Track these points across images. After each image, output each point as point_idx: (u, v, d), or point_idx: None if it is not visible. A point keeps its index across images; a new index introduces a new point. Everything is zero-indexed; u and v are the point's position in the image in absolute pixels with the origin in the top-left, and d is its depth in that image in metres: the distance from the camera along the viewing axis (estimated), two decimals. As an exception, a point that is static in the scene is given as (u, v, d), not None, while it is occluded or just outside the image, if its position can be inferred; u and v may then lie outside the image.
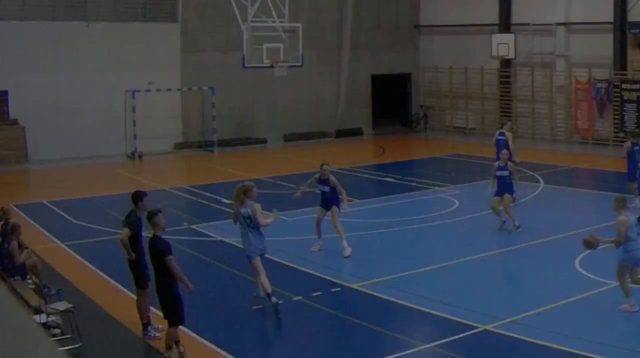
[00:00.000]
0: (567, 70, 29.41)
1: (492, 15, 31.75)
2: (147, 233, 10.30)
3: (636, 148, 18.17)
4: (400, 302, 11.23)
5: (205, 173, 24.86)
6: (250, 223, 11.16)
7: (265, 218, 11.25)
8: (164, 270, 9.20)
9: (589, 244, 10.79)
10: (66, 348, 9.32)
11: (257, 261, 11.21)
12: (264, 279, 11.02)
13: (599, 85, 27.96)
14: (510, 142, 18.81)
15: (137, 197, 10.47)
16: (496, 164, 16.25)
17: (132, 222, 10.21)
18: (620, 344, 9.35)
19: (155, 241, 9.39)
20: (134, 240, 10.17)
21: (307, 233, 15.79)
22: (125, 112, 27.94)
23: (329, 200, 14.26)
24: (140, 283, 10.29)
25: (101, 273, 13.19)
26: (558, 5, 29.16)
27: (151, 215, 9.57)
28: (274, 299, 10.85)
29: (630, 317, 10.54)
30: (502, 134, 19.51)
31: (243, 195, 11.24)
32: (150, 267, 9.71)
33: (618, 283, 10.84)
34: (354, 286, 12.11)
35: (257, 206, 11.12)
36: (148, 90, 28.12)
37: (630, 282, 10.79)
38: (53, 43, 26.69)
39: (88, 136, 27.47)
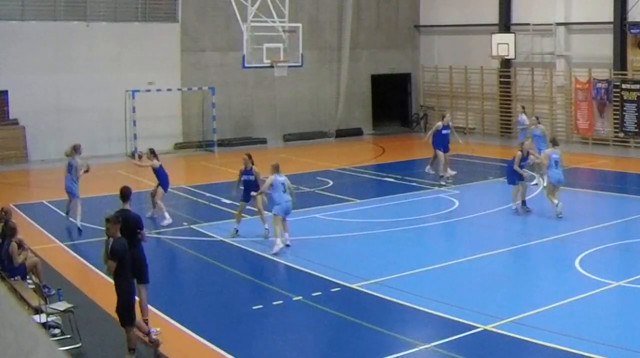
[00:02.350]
0: (567, 70, 29.42)
1: (492, 15, 31.76)
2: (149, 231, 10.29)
3: (444, 131, 21.22)
4: (400, 302, 11.22)
5: (205, 173, 24.86)
6: (71, 171, 16.51)
7: (81, 170, 16.52)
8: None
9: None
10: (66, 348, 9.32)
11: (76, 200, 16.55)
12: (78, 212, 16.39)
13: (599, 85, 27.96)
14: (431, 131, 21.32)
15: (130, 192, 11.05)
16: None
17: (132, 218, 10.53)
18: (620, 344, 9.34)
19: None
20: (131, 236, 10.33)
21: (307, 234, 15.79)
22: (125, 112, 27.92)
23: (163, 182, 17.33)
24: (144, 279, 10.30)
25: (101, 274, 13.16)
26: (558, 5, 29.16)
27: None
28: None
29: (630, 317, 10.55)
30: (446, 127, 21.14)
31: (74, 151, 16.70)
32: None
33: (273, 228, 14.45)
34: (354, 286, 12.10)
35: (80, 161, 16.59)
36: (148, 90, 28.11)
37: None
38: (53, 43, 26.70)
39: (88, 136, 27.42)
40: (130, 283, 9.43)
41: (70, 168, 16.57)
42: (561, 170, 16.99)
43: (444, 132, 21.15)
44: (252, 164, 15.51)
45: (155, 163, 17.05)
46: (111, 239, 9.32)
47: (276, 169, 14.76)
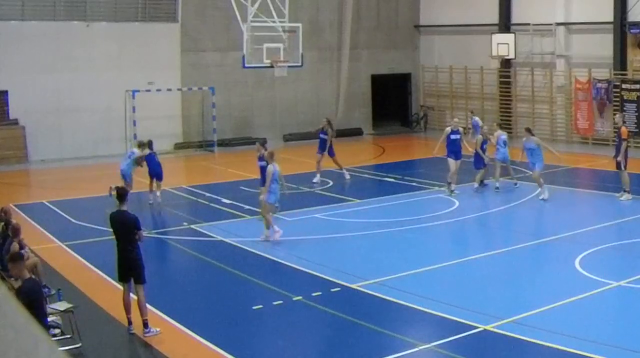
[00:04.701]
0: (567, 70, 29.42)
1: (492, 15, 31.75)
2: (149, 231, 10.29)
3: (453, 136, 20.64)
4: (400, 302, 11.22)
5: (205, 173, 24.86)
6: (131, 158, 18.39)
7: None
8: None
9: None
10: (66, 348, 9.32)
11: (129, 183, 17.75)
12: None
13: (599, 85, 27.96)
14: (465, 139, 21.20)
15: (126, 193, 10.96)
16: None
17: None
18: (620, 344, 9.34)
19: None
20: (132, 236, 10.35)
21: (307, 234, 15.79)
22: (125, 112, 27.93)
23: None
24: (142, 279, 10.32)
25: (101, 274, 13.19)
26: (558, 5, 29.16)
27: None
28: None
29: (630, 317, 10.55)
30: (455, 132, 20.16)
31: (145, 146, 18.44)
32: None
33: (262, 217, 15.27)
34: (354, 286, 12.10)
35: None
36: (148, 90, 28.11)
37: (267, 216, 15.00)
38: (53, 43, 26.70)
39: (88, 136, 27.46)
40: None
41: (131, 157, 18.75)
42: (507, 150, 20.28)
43: (452, 137, 19.99)
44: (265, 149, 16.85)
45: (146, 151, 18.92)
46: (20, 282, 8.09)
47: (272, 157, 15.37)
